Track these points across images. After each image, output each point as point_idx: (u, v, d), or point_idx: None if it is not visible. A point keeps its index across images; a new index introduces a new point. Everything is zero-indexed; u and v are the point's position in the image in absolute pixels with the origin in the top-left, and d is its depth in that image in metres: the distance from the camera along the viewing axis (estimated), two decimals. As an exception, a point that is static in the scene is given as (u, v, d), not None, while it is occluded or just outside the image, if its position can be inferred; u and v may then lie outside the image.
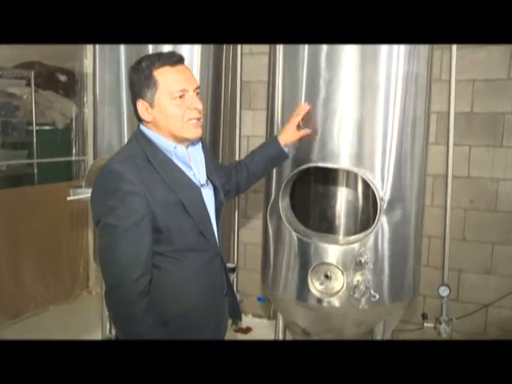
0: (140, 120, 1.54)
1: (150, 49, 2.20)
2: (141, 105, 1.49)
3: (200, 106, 1.52)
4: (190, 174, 1.55)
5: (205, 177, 1.61)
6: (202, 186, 1.57)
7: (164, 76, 1.47)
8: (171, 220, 1.46)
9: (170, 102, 1.47)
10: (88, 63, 3.78)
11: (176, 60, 1.49)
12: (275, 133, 2.29)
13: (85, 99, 3.87)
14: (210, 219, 1.58)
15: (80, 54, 3.84)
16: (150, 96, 1.47)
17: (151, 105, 1.48)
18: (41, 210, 3.56)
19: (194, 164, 1.59)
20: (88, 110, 3.84)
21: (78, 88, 3.87)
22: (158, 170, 1.46)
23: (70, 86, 3.84)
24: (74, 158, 3.89)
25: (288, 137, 2.00)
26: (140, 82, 1.48)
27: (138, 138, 1.53)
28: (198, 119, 1.52)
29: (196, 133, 1.54)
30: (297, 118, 2.02)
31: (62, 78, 3.81)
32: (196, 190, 1.54)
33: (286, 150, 1.99)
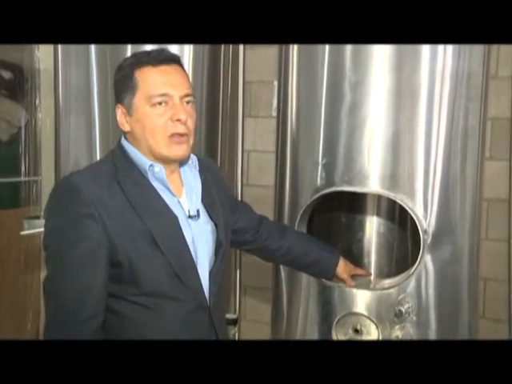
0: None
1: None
2: (120, 111, 1.61)
3: (184, 117, 1.56)
4: (171, 200, 1.62)
5: (196, 207, 1.67)
6: (190, 217, 1.64)
7: (144, 77, 1.57)
8: (135, 253, 1.52)
9: (149, 110, 1.56)
10: (41, 56, 3.79)
11: (161, 59, 1.59)
12: (287, 149, 2.38)
13: (37, 102, 3.88)
14: (191, 259, 1.62)
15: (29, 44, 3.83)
16: (128, 101, 1.58)
17: (129, 111, 1.59)
18: (-23, 246, 3.56)
19: (186, 190, 1.67)
20: (42, 117, 3.85)
21: (28, 88, 3.86)
22: (125, 191, 1.54)
23: (16, 85, 3.82)
24: (22, 179, 3.85)
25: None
26: (119, 84, 1.61)
27: (116, 152, 1.64)
28: (183, 135, 1.59)
29: (180, 151, 1.60)
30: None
31: (6, 74, 3.80)
32: (171, 219, 1.59)
33: (332, 277, 2.19)
